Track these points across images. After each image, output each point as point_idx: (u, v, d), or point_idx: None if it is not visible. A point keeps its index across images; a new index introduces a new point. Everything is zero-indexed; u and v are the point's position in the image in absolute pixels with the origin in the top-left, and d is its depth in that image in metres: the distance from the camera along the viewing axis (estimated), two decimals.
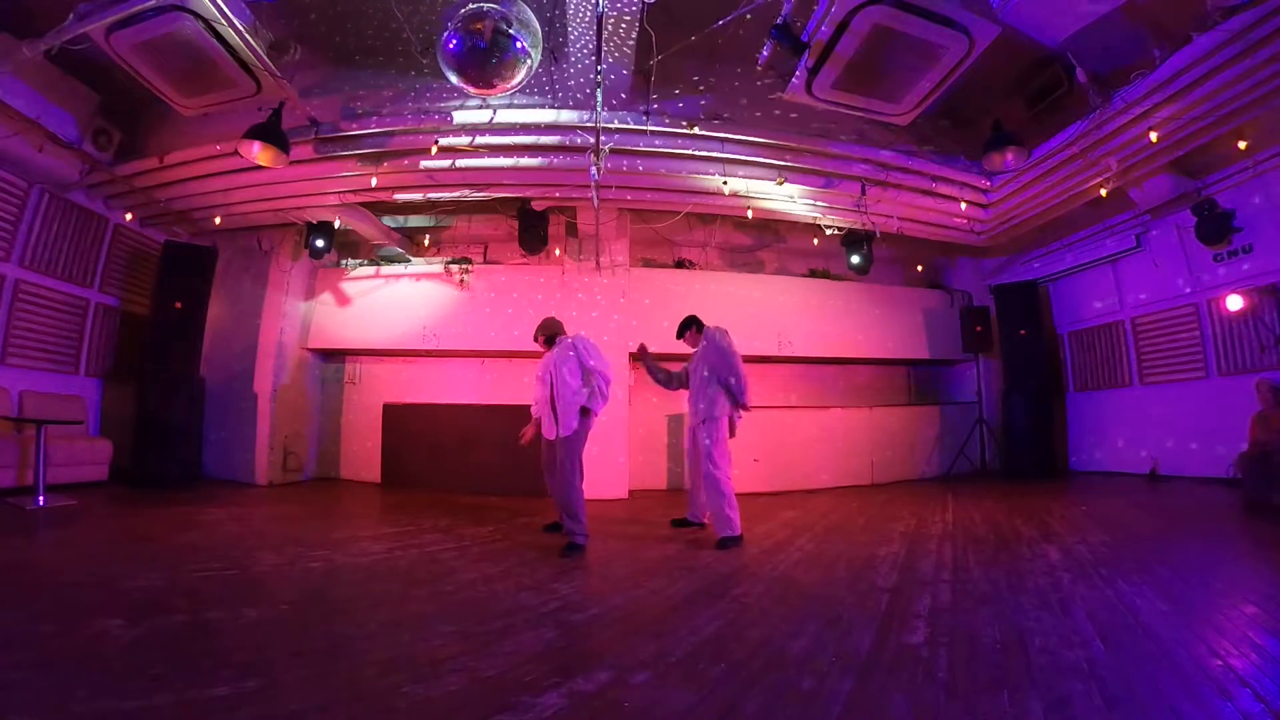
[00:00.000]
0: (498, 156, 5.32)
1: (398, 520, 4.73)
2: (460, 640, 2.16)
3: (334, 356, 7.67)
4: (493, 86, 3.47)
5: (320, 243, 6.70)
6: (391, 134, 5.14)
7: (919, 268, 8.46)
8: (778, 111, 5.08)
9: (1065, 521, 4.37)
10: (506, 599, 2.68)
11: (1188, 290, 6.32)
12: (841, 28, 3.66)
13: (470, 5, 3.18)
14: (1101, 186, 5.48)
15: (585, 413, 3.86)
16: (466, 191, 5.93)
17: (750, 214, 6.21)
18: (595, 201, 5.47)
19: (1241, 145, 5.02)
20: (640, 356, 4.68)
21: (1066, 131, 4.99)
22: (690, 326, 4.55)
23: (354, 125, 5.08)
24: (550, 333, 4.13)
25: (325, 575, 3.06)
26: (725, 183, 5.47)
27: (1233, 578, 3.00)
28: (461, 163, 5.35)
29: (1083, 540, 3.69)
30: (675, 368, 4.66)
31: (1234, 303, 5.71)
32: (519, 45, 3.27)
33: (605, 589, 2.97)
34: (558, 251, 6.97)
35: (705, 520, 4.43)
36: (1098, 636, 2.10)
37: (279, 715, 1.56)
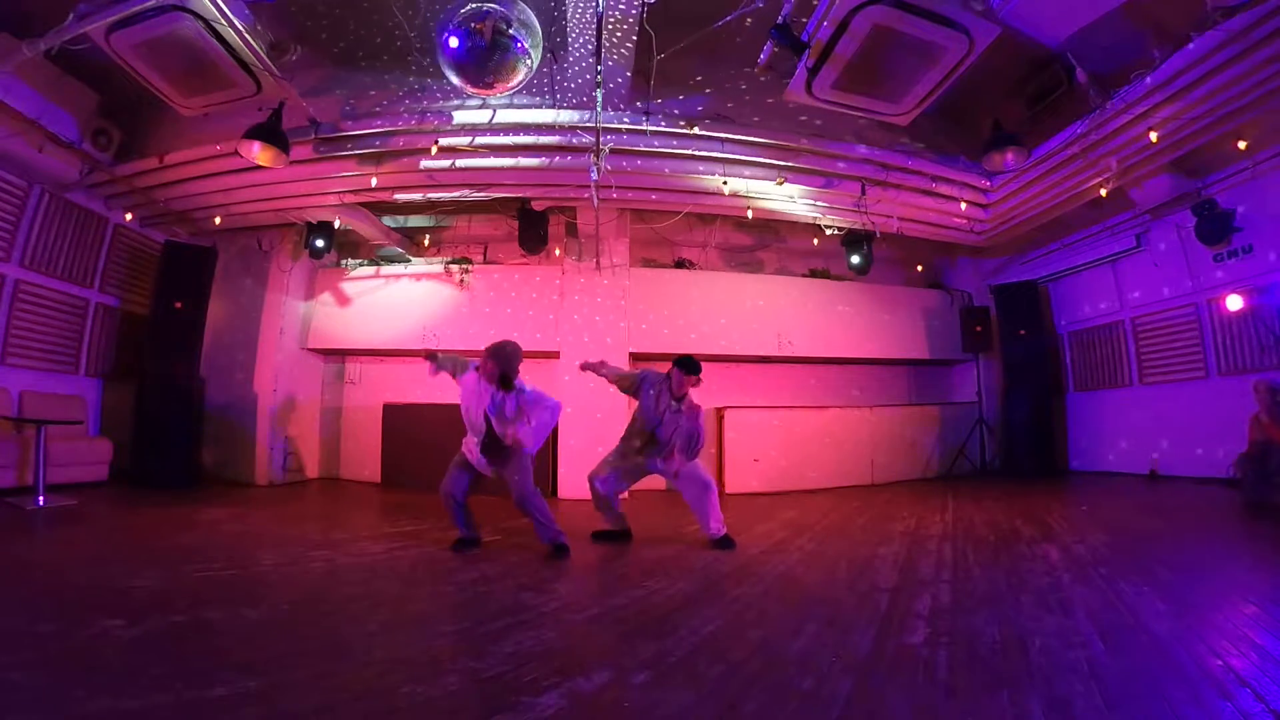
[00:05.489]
0: (498, 156, 5.32)
1: (398, 520, 4.74)
2: (460, 640, 2.16)
3: (334, 356, 7.66)
4: (492, 86, 3.49)
5: (320, 243, 6.69)
6: (391, 134, 5.14)
7: (919, 268, 8.45)
8: (778, 111, 5.08)
9: (1065, 521, 4.37)
10: (506, 599, 2.68)
11: (1188, 290, 6.32)
12: (841, 28, 3.66)
13: (470, 5, 3.18)
14: (1101, 186, 5.47)
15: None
16: (466, 191, 5.93)
17: (750, 214, 6.20)
18: (595, 201, 5.46)
19: (1241, 145, 5.01)
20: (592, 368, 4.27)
21: (1066, 131, 4.98)
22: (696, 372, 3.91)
23: (354, 125, 5.08)
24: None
25: (325, 575, 3.06)
26: (725, 183, 5.47)
27: (1233, 578, 3.00)
28: (461, 163, 5.34)
29: (1082, 540, 3.69)
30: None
31: (1234, 303, 5.70)
32: (519, 45, 3.28)
33: (605, 589, 2.97)
34: (558, 251, 6.97)
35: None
36: (1098, 636, 2.10)
37: (279, 715, 1.56)
